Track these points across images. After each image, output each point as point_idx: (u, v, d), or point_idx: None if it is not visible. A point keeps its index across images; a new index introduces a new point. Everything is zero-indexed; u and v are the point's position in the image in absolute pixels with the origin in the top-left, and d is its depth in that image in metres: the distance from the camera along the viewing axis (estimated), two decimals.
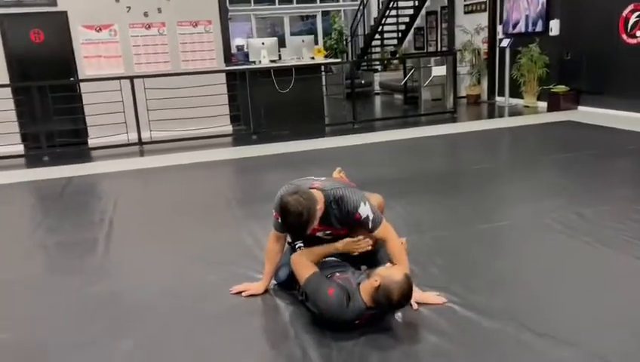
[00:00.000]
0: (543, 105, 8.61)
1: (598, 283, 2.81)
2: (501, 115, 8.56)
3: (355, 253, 2.68)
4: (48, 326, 2.68)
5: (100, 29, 7.72)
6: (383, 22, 12.10)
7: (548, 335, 2.32)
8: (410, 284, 2.36)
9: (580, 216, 3.70)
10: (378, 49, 13.11)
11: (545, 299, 2.67)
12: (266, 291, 2.86)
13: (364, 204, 2.60)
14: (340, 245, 2.65)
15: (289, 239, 2.89)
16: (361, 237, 2.66)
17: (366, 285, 2.39)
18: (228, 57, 8.57)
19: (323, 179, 2.76)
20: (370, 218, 2.59)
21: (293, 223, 2.47)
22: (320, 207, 2.52)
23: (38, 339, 2.57)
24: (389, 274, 2.35)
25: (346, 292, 2.39)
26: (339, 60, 10.66)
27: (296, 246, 2.82)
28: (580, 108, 8.14)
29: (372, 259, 2.80)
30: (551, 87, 8.41)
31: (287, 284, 2.85)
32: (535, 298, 2.68)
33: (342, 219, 2.62)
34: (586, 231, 3.43)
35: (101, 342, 2.49)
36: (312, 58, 8.68)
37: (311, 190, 2.56)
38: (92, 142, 7.49)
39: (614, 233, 3.39)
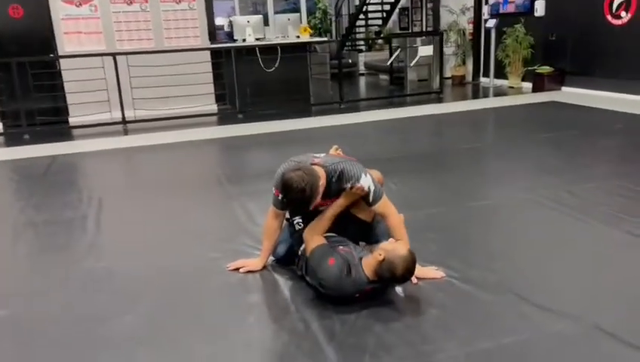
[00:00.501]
0: (528, 86, 8.68)
1: (591, 258, 2.86)
2: (486, 96, 8.61)
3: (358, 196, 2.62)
4: (47, 302, 2.64)
5: (80, 4, 7.50)
6: (367, 1, 12.00)
7: (546, 307, 2.36)
8: (414, 259, 2.37)
9: (571, 193, 3.75)
10: (363, 29, 13.01)
11: (540, 273, 2.72)
12: (264, 267, 2.85)
13: (365, 175, 2.59)
14: (341, 199, 2.61)
15: (287, 215, 2.87)
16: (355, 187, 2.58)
17: (369, 259, 2.39)
18: (213, 35, 8.43)
19: (323, 155, 2.75)
20: (371, 190, 2.59)
21: (296, 199, 2.44)
22: (322, 183, 2.51)
23: (38, 315, 2.53)
24: (394, 248, 2.36)
25: (347, 263, 2.39)
26: (326, 39, 10.55)
27: (295, 223, 2.81)
28: (565, 89, 8.22)
29: (371, 234, 2.81)
30: (535, 67, 8.47)
31: (286, 260, 2.85)
32: (531, 272, 2.73)
33: (343, 192, 2.61)
34: (577, 208, 3.48)
35: (102, 317, 2.46)
36: (298, 37, 8.59)
37: (312, 166, 2.54)
38: (73, 120, 7.32)
39: (604, 209, 3.45)
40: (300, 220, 2.79)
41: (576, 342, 2.13)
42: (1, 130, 7.05)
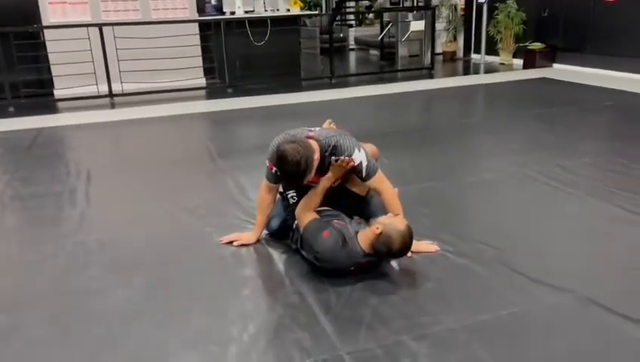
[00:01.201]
0: (519, 62, 8.65)
1: (584, 232, 2.88)
2: (477, 72, 8.56)
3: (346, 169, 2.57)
4: (37, 276, 2.60)
5: None
6: None
7: (540, 280, 2.37)
8: (412, 235, 2.36)
9: (563, 168, 3.76)
10: (353, 3, 12.83)
11: (534, 246, 2.73)
12: (258, 241, 2.83)
13: (359, 150, 2.56)
14: (330, 173, 2.57)
15: (281, 189, 2.84)
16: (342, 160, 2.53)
17: (367, 232, 2.38)
18: (201, 7, 8.25)
19: (317, 129, 2.71)
20: (364, 165, 2.56)
21: (291, 172, 2.41)
22: (317, 156, 2.47)
23: (32, 287, 2.50)
24: (392, 222, 2.35)
25: (342, 235, 2.38)
26: (316, 12, 10.39)
27: (289, 196, 2.78)
28: (556, 65, 8.21)
29: (365, 209, 2.79)
30: (527, 44, 8.43)
31: (280, 234, 2.83)
32: (524, 246, 2.74)
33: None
34: (570, 183, 3.50)
35: (94, 290, 2.44)
36: (288, 10, 8.44)
37: (307, 139, 2.50)
38: (58, 93, 7.16)
39: (596, 184, 3.47)
40: (294, 194, 2.76)
41: (571, 314, 2.15)
42: None
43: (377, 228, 2.32)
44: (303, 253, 2.55)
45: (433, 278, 2.44)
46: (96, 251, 2.82)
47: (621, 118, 5.30)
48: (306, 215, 2.53)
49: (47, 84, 7.30)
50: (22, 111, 6.34)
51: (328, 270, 2.44)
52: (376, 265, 2.50)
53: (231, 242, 2.82)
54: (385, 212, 2.64)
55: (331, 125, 3.10)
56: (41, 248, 2.86)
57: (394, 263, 2.57)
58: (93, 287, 2.45)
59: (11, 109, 6.50)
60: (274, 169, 2.61)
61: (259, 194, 2.79)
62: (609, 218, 3.01)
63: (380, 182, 2.63)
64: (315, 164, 2.47)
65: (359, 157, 2.56)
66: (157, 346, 2.03)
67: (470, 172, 3.88)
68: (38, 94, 7.00)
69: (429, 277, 2.46)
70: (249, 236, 2.83)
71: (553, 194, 3.36)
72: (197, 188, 3.72)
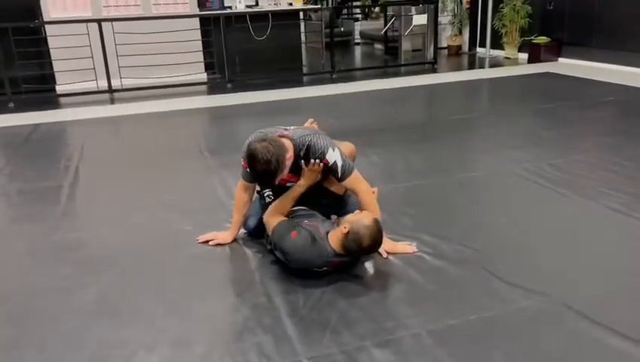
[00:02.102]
0: (524, 56, 8.50)
1: (568, 233, 2.80)
2: (481, 66, 8.44)
3: (319, 178, 2.55)
4: (11, 272, 2.60)
5: None
6: None
7: (516, 283, 2.31)
8: (380, 229, 2.31)
9: (554, 166, 3.67)
10: None
11: (516, 248, 2.66)
12: (234, 240, 2.80)
13: (333, 149, 2.51)
14: (302, 180, 2.53)
15: (258, 188, 2.80)
16: (312, 164, 2.48)
17: (336, 232, 2.34)
18: (202, 2, 8.22)
19: (292, 127, 2.66)
20: (339, 164, 2.50)
21: (262, 171, 2.35)
22: (290, 155, 2.41)
23: (2, 284, 2.49)
24: (358, 219, 2.30)
25: (311, 235, 2.34)
26: (317, 6, 10.31)
27: (265, 195, 2.75)
28: (561, 59, 8.05)
29: (343, 208, 2.74)
30: (532, 38, 8.29)
31: (256, 233, 2.80)
32: (506, 247, 2.67)
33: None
34: (559, 181, 3.42)
35: (66, 288, 2.42)
36: (290, 4, 8.37)
37: (280, 138, 2.45)
38: (60, 88, 7.20)
39: (586, 183, 3.38)
40: (270, 193, 2.72)
41: (541, 319, 2.08)
42: None
43: (345, 228, 2.28)
44: (277, 253, 2.51)
45: (406, 280, 2.39)
46: (72, 249, 2.81)
47: (622, 113, 5.17)
48: (273, 218, 2.49)
49: (49, 79, 7.33)
50: (22, 107, 6.38)
51: (301, 270, 2.40)
52: (350, 265, 2.46)
53: (207, 241, 2.80)
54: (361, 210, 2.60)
55: (313, 124, 3.05)
56: (17, 245, 2.86)
57: (368, 265, 2.53)
58: (62, 286, 2.44)
59: (11, 105, 6.54)
60: (248, 168, 2.57)
61: (235, 193, 2.76)
62: (595, 218, 2.93)
63: (357, 182, 2.58)
64: (288, 163, 2.42)
65: (333, 156, 2.50)
66: (116, 347, 2.01)
67: (461, 169, 3.81)
68: (40, 90, 7.04)
69: (403, 279, 2.41)
70: (225, 235, 2.80)
71: (541, 193, 3.29)
72: (183, 185, 3.69)
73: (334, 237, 2.34)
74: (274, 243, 2.45)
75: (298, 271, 2.41)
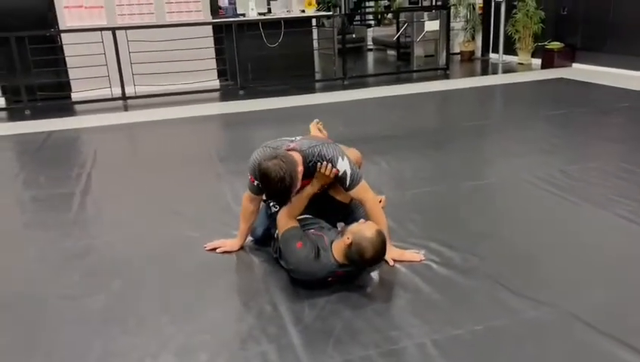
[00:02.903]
0: (538, 62, 8.44)
1: (578, 242, 2.76)
2: (494, 72, 8.39)
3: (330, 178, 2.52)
4: (21, 279, 2.64)
5: None
6: None
7: (523, 293, 2.29)
8: (384, 240, 2.30)
9: (565, 173, 3.64)
10: (372, 3, 12.75)
11: (524, 257, 2.63)
12: (241, 248, 2.80)
13: (342, 158, 2.50)
14: (314, 181, 2.52)
15: (264, 197, 2.80)
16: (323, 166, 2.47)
17: (339, 243, 2.33)
18: (215, 9, 8.29)
19: (298, 138, 2.64)
20: (348, 173, 2.50)
21: (276, 189, 2.33)
22: (300, 169, 2.39)
23: (11, 292, 2.52)
24: (360, 230, 2.29)
25: (316, 247, 2.34)
26: (329, 13, 10.33)
27: (271, 204, 2.75)
28: (575, 65, 7.98)
29: (349, 216, 2.74)
30: (545, 43, 8.22)
31: (264, 241, 2.81)
32: (513, 256, 2.64)
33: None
34: (570, 189, 3.38)
35: (75, 294, 2.45)
36: (303, 11, 8.42)
37: (289, 153, 2.44)
38: (75, 96, 7.30)
39: (598, 190, 3.34)
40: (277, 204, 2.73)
41: (548, 329, 2.06)
42: (4, 106, 7.06)
43: (348, 239, 2.27)
44: (282, 262, 2.52)
45: (412, 289, 2.38)
46: (81, 256, 2.84)
47: (636, 119, 5.10)
48: (286, 221, 2.49)
49: (65, 87, 7.45)
50: (38, 114, 6.48)
51: (305, 279, 2.40)
52: (355, 275, 2.45)
53: (214, 249, 2.81)
54: (367, 220, 2.59)
55: (319, 125, 3.04)
56: (28, 251, 2.90)
57: (374, 273, 2.52)
58: (70, 293, 2.46)
59: (27, 112, 6.65)
60: (256, 182, 2.56)
61: (242, 205, 2.76)
62: (605, 227, 2.89)
63: (363, 192, 2.56)
64: (300, 176, 2.40)
65: (343, 166, 2.49)
66: (122, 354, 2.03)
67: (470, 177, 3.78)
68: (56, 97, 7.15)
69: (408, 288, 2.39)
70: (232, 243, 2.81)
71: (550, 200, 3.25)
72: (192, 192, 3.72)
73: (338, 248, 2.33)
74: (280, 250, 2.45)
75: (302, 280, 2.41)
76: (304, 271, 2.34)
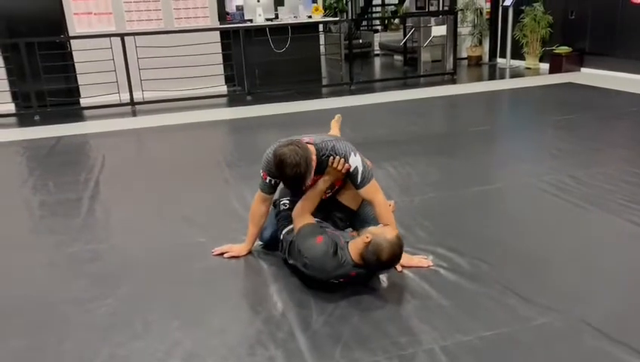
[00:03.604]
0: (545, 67, 8.41)
1: (587, 247, 2.74)
2: (502, 77, 8.37)
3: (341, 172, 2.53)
4: (29, 284, 2.65)
5: None
6: None
7: (533, 299, 2.27)
8: (401, 245, 2.31)
9: (574, 178, 3.61)
10: (379, 8, 12.77)
11: (533, 263, 2.61)
12: (249, 253, 2.80)
13: (355, 155, 2.51)
14: (326, 176, 2.54)
15: (276, 196, 2.80)
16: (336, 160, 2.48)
17: (356, 242, 2.34)
18: (222, 15, 8.34)
19: (312, 135, 2.66)
20: (360, 170, 2.49)
21: (292, 175, 2.33)
22: (314, 158, 2.42)
23: (19, 296, 2.53)
24: (382, 232, 2.30)
25: (335, 244, 2.35)
26: (336, 19, 10.36)
27: (281, 203, 2.75)
28: (584, 70, 7.95)
29: (356, 221, 2.74)
30: (553, 48, 8.19)
31: (272, 244, 2.80)
32: (522, 262, 2.62)
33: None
34: (579, 194, 3.35)
35: (82, 300, 2.46)
36: (310, 17, 8.44)
37: (302, 141, 2.46)
38: (84, 101, 7.35)
39: (607, 196, 3.31)
40: (287, 201, 2.73)
41: (558, 336, 2.04)
42: (14, 111, 7.13)
43: (367, 237, 2.28)
44: (291, 261, 2.50)
45: (420, 295, 2.37)
46: (90, 261, 2.85)
47: None
48: (303, 217, 2.49)
49: (74, 92, 7.50)
50: (47, 120, 6.53)
51: (316, 281, 2.39)
52: (366, 279, 2.44)
53: (222, 254, 2.81)
54: (376, 223, 2.59)
55: (340, 119, 3.09)
56: (36, 257, 2.91)
57: (383, 278, 2.51)
58: (77, 298, 2.47)
59: (37, 118, 6.70)
60: (268, 178, 2.58)
61: (252, 206, 2.76)
62: (616, 232, 2.86)
63: (374, 192, 2.56)
64: (314, 165, 2.42)
65: (355, 162, 2.50)
66: (128, 360, 2.03)
67: (478, 182, 3.76)
68: (65, 103, 7.21)
69: (417, 293, 2.38)
70: (240, 248, 2.81)
71: (560, 206, 3.23)
72: (200, 197, 3.72)
73: (354, 247, 2.34)
74: (295, 245, 2.43)
75: (312, 283, 2.40)
76: (320, 267, 2.33)
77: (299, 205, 2.56)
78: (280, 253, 2.67)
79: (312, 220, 2.49)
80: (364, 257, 2.30)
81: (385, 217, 2.55)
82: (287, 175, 2.35)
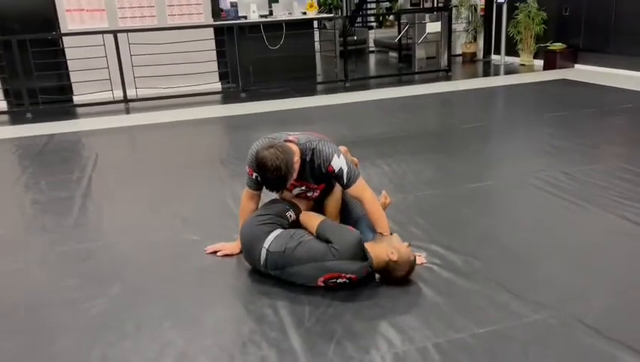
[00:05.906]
0: (540, 63, 8.42)
1: (580, 244, 2.74)
2: (496, 74, 8.37)
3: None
4: (21, 283, 2.62)
5: None
6: None
7: (526, 296, 2.27)
8: (414, 266, 2.41)
9: (567, 175, 3.62)
10: (374, 5, 12.75)
11: (527, 260, 2.61)
12: (241, 251, 2.79)
13: (338, 156, 2.50)
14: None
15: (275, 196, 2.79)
16: None
17: (379, 250, 2.36)
18: (216, 12, 8.29)
19: (298, 133, 2.65)
20: (345, 170, 2.49)
21: (272, 178, 2.36)
22: (297, 159, 2.42)
23: (10, 296, 2.51)
24: (407, 253, 2.36)
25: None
26: (330, 15, 10.33)
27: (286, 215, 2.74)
28: (578, 66, 7.96)
29: (347, 217, 2.74)
30: (548, 44, 8.20)
31: None
32: (515, 259, 2.62)
33: (316, 173, 2.53)
34: (572, 191, 3.36)
35: (73, 299, 2.44)
36: (304, 13, 8.41)
37: (286, 143, 2.45)
38: (77, 99, 7.31)
39: (601, 192, 3.32)
40: (292, 213, 2.71)
41: (551, 333, 2.04)
42: (6, 109, 7.08)
43: (392, 254, 2.33)
44: (277, 272, 2.44)
45: (414, 292, 2.36)
46: (81, 260, 2.83)
47: (638, 120, 5.08)
48: (315, 218, 2.51)
49: (67, 90, 7.46)
50: (40, 117, 6.49)
51: (337, 265, 2.33)
52: (361, 279, 2.43)
53: (215, 252, 2.80)
54: (369, 225, 2.59)
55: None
56: (28, 256, 2.89)
57: (377, 276, 2.49)
58: (69, 297, 2.45)
59: (29, 115, 6.65)
60: (254, 175, 2.57)
61: (241, 203, 2.75)
62: (610, 229, 2.86)
63: (362, 190, 2.55)
64: (296, 167, 2.42)
65: (339, 163, 2.49)
66: (120, 360, 2.01)
67: (472, 179, 3.76)
68: (58, 100, 7.16)
69: (410, 291, 2.38)
70: (233, 246, 2.80)
71: (554, 203, 3.23)
72: (193, 195, 3.71)
73: (374, 252, 2.37)
74: (324, 234, 2.39)
75: (312, 278, 2.37)
76: (346, 253, 2.29)
77: (304, 213, 2.61)
78: (261, 267, 2.48)
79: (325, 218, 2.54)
80: (379, 267, 2.37)
81: (375, 214, 2.56)
82: (267, 178, 2.39)
